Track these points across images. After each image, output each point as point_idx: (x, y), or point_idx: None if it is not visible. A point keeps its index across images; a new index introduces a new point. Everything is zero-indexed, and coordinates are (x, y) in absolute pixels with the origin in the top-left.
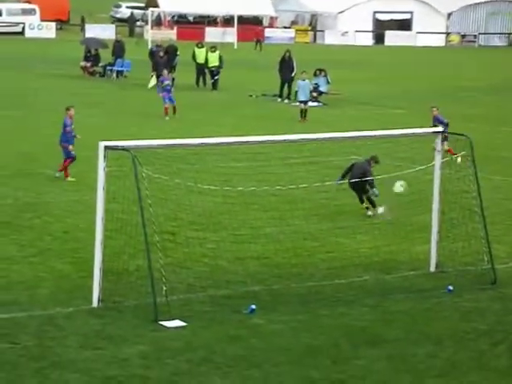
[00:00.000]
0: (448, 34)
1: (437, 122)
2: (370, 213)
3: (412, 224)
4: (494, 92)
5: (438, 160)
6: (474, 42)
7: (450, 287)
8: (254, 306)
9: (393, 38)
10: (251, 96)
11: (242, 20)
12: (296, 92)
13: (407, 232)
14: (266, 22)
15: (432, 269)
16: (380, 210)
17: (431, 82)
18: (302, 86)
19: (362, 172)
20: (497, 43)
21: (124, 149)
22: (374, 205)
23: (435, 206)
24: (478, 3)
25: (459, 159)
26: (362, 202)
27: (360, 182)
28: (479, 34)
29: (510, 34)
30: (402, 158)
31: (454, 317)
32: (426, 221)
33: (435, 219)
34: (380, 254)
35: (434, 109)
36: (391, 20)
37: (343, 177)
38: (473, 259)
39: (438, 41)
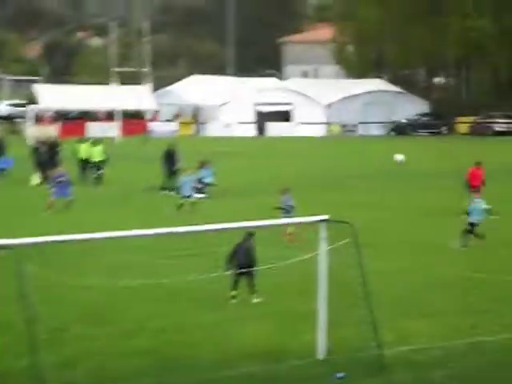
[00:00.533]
0: (328, 124)
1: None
2: (256, 300)
3: (300, 312)
4: (375, 179)
5: (323, 247)
6: (354, 131)
7: (340, 374)
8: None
9: (274, 128)
10: (138, 189)
11: (125, 114)
12: (179, 187)
13: (295, 320)
14: (149, 116)
15: (321, 356)
16: None
17: (313, 171)
18: (185, 182)
19: (249, 250)
20: (375, 132)
21: (4, 247)
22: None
23: (322, 293)
24: (357, 94)
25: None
26: (235, 288)
27: (250, 264)
28: (358, 123)
29: (387, 123)
30: (289, 247)
31: None
32: (313, 308)
33: (322, 306)
34: (269, 343)
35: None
36: (272, 111)
37: (230, 262)
38: (361, 345)
39: (319, 131)
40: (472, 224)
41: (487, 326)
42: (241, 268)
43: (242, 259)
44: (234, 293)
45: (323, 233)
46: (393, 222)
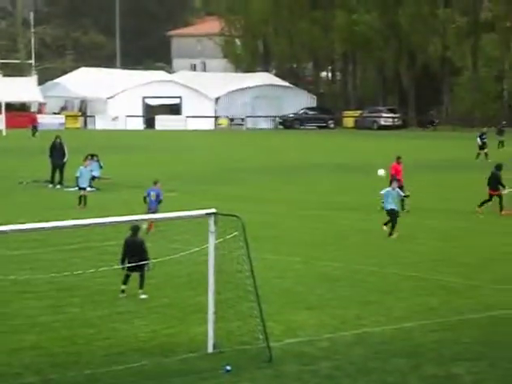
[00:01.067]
0: (217, 117)
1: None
2: (143, 296)
3: (189, 305)
4: (264, 173)
5: (211, 241)
6: (242, 125)
7: (228, 367)
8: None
9: (163, 122)
10: (21, 183)
11: (10, 107)
12: (77, 178)
13: (185, 314)
14: (34, 109)
15: (210, 350)
16: None
17: (202, 165)
18: (84, 173)
19: (140, 246)
20: (263, 126)
21: None
22: (142, 286)
23: (210, 286)
24: (245, 88)
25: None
26: (125, 283)
27: (140, 258)
28: (246, 117)
29: (275, 117)
30: (177, 240)
31: None
32: (202, 302)
33: (211, 300)
34: (158, 337)
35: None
36: (161, 105)
37: (123, 261)
38: (249, 338)
39: (208, 124)
40: (392, 211)
41: (373, 317)
42: (130, 262)
43: (132, 254)
44: (123, 287)
45: (211, 226)
46: (282, 216)
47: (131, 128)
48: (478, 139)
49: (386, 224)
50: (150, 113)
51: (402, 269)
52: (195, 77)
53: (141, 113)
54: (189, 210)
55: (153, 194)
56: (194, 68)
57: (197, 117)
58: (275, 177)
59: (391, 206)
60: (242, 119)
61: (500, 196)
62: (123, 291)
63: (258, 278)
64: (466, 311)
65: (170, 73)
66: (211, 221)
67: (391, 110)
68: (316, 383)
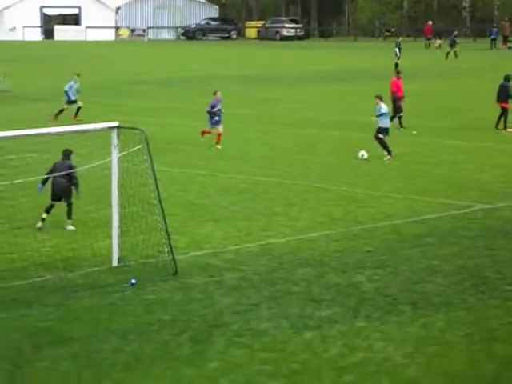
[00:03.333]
0: (117, 28)
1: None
2: (70, 227)
3: (93, 220)
4: (167, 85)
5: (114, 155)
6: (144, 35)
7: (133, 281)
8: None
9: (62, 32)
10: None
11: None
12: None
13: (89, 228)
14: None
15: (115, 263)
16: None
17: (104, 77)
18: None
19: (68, 169)
20: (166, 37)
21: None
22: (70, 216)
23: (114, 200)
24: None
25: None
26: (48, 212)
27: (68, 185)
28: (148, 28)
29: (177, 27)
30: (81, 154)
31: (138, 310)
32: (106, 216)
33: (115, 214)
34: (62, 252)
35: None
36: (60, 15)
37: (44, 182)
38: (154, 251)
39: (108, 35)
40: (386, 129)
41: (278, 228)
42: (56, 189)
43: (58, 185)
44: (44, 215)
45: (114, 140)
46: (187, 129)
47: (29, 39)
48: (396, 49)
49: (389, 153)
50: (49, 23)
51: (305, 180)
52: None
53: (39, 23)
54: (92, 123)
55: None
56: None
57: (97, 27)
58: (179, 89)
59: (387, 125)
60: (144, 30)
61: (507, 110)
62: (43, 219)
63: (162, 192)
64: (367, 220)
65: None
66: (114, 134)
67: (293, 21)
68: (221, 294)
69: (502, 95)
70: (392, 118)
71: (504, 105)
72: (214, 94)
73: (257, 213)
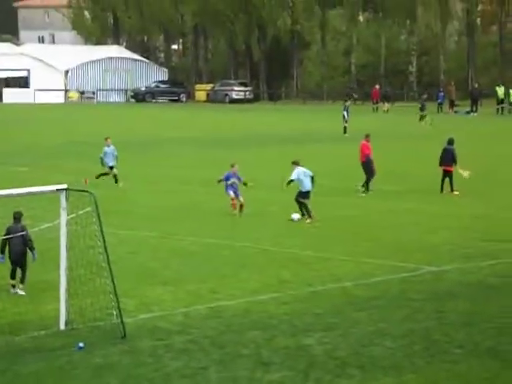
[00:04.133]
0: (67, 90)
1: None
2: (21, 292)
3: (41, 282)
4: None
5: (63, 217)
6: (93, 98)
7: (81, 344)
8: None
9: (11, 95)
10: None
11: None
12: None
13: (36, 291)
14: None
15: (62, 327)
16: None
17: (52, 139)
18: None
19: (22, 235)
20: (115, 99)
21: None
22: (23, 281)
23: (62, 263)
24: (94, 60)
25: None
26: (13, 278)
27: (23, 249)
28: (98, 90)
29: (126, 90)
30: (29, 217)
31: (86, 374)
32: (54, 279)
33: (63, 276)
34: (7, 315)
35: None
36: (8, 77)
37: (3, 251)
38: (102, 314)
39: (58, 98)
40: (306, 193)
41: (227, 290)
42: (14, 253)
43: (15, 250)
44: (12, 282)
45: (63, 202)
46: (136, 191)
47: None
48: (344, 112)
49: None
50: None
51: (255, 242)
52: (44, 49)
53: None
54: (40, 186)
55: (233, 180)
56: (42, 40)
57: (46, 90)
58: (127, 151)
59: (307, 188)
60: (93, 92)
61: (451, 173)
62: (14, 286)
63: (111, 254)
64: (317, 283)
65: (17, 45)
66: (63, 196)
67: (243, 84)
68: (170, 358)
69: (446, 159)
70: (367, 182)
71: (448, 168)
72: (232, 166)
73: (207, 275)
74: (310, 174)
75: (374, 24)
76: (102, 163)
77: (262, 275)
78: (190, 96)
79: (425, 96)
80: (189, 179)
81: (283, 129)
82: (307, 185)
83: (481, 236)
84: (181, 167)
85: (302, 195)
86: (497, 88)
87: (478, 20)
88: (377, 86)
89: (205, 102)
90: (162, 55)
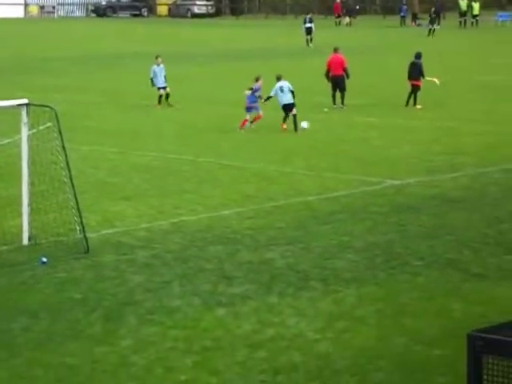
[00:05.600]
0: (27, 5)
1: None
2: None
3: (2, 198)
4: (77, 62)
5: (24, 132)
6: (54, 12)
7: (44, 259)
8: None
9: None
10: None
11: None
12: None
13: None
14: None
15: (25, 242)
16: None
17: (13, 54)
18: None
19: None
20: (76, 14)
21: None
22: None
23: (24, 178)
24: None
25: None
26: None
27: None
28: (58, 4)
29: (87, 4)
30: None
31: (49, 288)
32: (16, 194)
33: (25, 192)
34: None
35: None
36: None
37: None
38: (66, 230)
39: (17, 12)
40: (285, 106)
41: (190, 206)
42: None
43: None
44: None
45: (24, 117)
46: (98, 106)
47: None
48: (307, 25)
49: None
50: None
51: (217, 158)
52: None
53: None
54: (1, 101)
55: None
56: None
57: (4, 4)
58: (89, 66)
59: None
60: (53, 7)
61: (418, 87)
62: None
63: (73, 169)
64: (279, 197)
65: None
66: (23, 111)
67: None
68: (133, 272)
69: (414, 73)
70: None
71: (415, 82)
72: (257, 80)
73: (169, 191)
74: (290, 88)
75: None
76: (153, 84)
77: (224, 190)
78: (152, 11)
79: (433, 9)
80: (152, 94)
81: (245, 44)
82: (284, 98)
83: (444, 149)
84: (143, 83)
85: (283, 108)
86: (459, 1)
87: None
88: (337, 0)
89: (166, 16)
90: None
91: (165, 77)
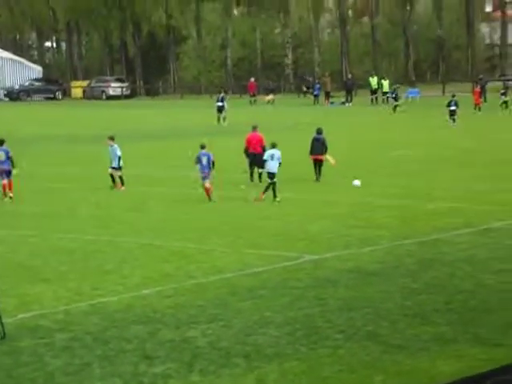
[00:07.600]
0: None
1: None
2: None
3: None
4: None
5: None
6: None
7: None
8: None
9: None
10: None
11: None
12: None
13: None
14: None
15: None
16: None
17: None
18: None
19: None
20: None
21: None
22: None
23: None
24: None
25: None
26: None
27: None
28: None
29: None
30: None
31: None
32: None
33: None
34: None
35: None
36: None
37: None
38: None
39: None
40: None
41: (109, 286)
42: None
43: None
44: None
45: None
46: (14, 190)
47: None
48: (219, 103)
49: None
50: None
51: (136, 237)
52: None
53: None
54: None
55: (204, 158)
56: None
57: None
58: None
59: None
60: None
61: (322, 162)
62: None
63: None
64: (199, 275)
65: None
66: None
67: (119, 80)
68: (52, 356)
69: (317, 148)
70: (253, 173)
71: (319, 157)
72: (202, 147)
73: (87, 272)
74: (279, 158)
75: (248, 18)
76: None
77: (144, 270)
78: (66, 93)
79: (396, 86)
80: (66, 176)
81: (160, 124)
82: (270, 166)
83: (359, 223)
84: (57, 165)
85: (268, 175)
86: (370, 78)
87: (350, 12)
88: (252, 79)
89: (81, 98)
90: (36, 53)
91: (119, 158)
